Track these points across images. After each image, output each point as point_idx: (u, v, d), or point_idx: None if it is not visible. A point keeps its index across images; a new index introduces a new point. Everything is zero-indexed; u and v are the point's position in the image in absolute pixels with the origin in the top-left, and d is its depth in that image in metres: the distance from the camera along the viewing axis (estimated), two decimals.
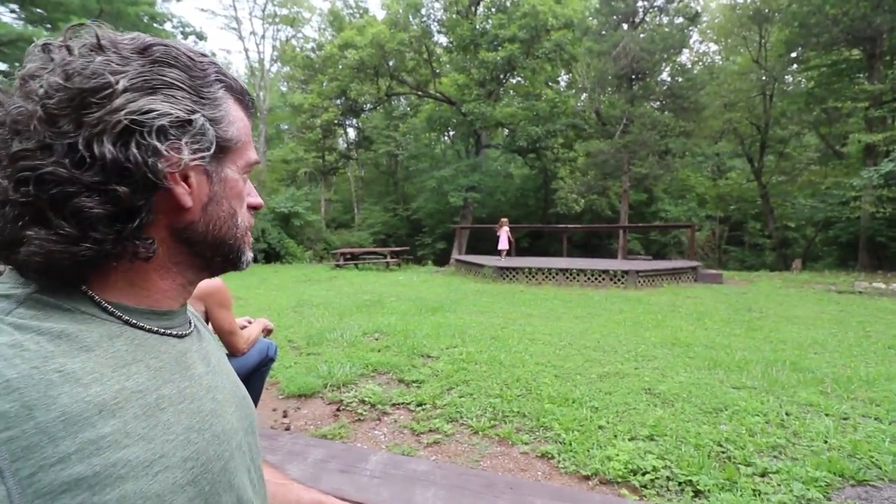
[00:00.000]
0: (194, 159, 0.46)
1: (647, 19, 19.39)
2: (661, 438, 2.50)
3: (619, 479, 2.14)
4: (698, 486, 2.06)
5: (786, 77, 19.58)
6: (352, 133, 28.71)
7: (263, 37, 37.65)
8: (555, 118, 20.33)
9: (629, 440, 2.48)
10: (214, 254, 0.52)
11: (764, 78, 19.29)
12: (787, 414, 2.84)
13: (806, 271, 14.07)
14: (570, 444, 2.44)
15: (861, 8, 13.76)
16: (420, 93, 23.73)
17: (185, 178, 0.46)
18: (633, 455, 2.30)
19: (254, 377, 2.20)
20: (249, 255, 0.57)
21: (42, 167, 0.39)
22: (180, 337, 0.52)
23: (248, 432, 0.58)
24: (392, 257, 15.12)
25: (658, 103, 19.95)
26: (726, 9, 22.10)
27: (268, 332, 2.26)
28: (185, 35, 19.23)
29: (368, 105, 23.87)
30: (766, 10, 18.54)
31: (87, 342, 0.42)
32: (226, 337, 1.94)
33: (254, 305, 6.91)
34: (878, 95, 14.13)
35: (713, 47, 25.80)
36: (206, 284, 1.77)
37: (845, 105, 15.70)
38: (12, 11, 13.40)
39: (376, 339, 4.67)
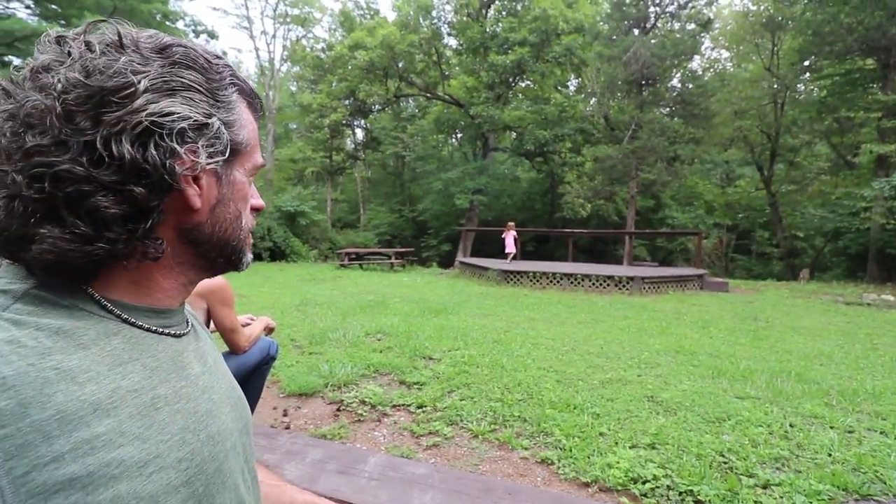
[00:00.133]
0: (210, 163, 0.46)
1: (659, 25, 19.32)
2: (662, 447, 2.47)
3: (619, 487, 2.12)
4: (699, 497, 2.04)
5: (798, 85, 19.45)
6: (359, 133, 28.81)
7: (274, 36, 37.99)
8: (563, 122, 20.28)
9: (630, 448, 2.46)
10: (218, 255, 0.53)
11: (776, 86, 19.16)
12: (791, 425, 2.81)
13: (814, 282, 13.93)
14: (571, 451, 2.42)
15: (876, 17, 13.63)
16: (429, 95, 23.76)
17: (196, 180, 0.46)
18: (634, 463, 2.28)
19: (255, 375, 2.20)
20: (249, 256, 0.57)
21: (58, 164, 0.39)
22: (177, 336, 0.52)
23: (242, 433, 0.58)
24: (397, 258, 15.14)
25: (668, 109, 19.86)
26: (739, 16, 21.98)
27: (269, 330, 2.27)
28: (197, 34, 19.41)
29: (377, 106, 23.94)
30: (780, 18, 18.42)
31: (84, 340, 0.41)
32: (228, 335, 1.95)
33: (258, 303, 6.94)
34: (892, 106, 13.96)
35: (725, 54, 25.66)
36: (209, 282, 1.78)
37: (858, 115, 15.54)
38: (27, 7, 13.58)
39: (378, 340, 4.67)
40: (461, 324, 5.55)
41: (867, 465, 2.32)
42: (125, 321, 0.46)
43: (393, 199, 27.68)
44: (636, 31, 19.05)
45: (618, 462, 2.27)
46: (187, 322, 0.56)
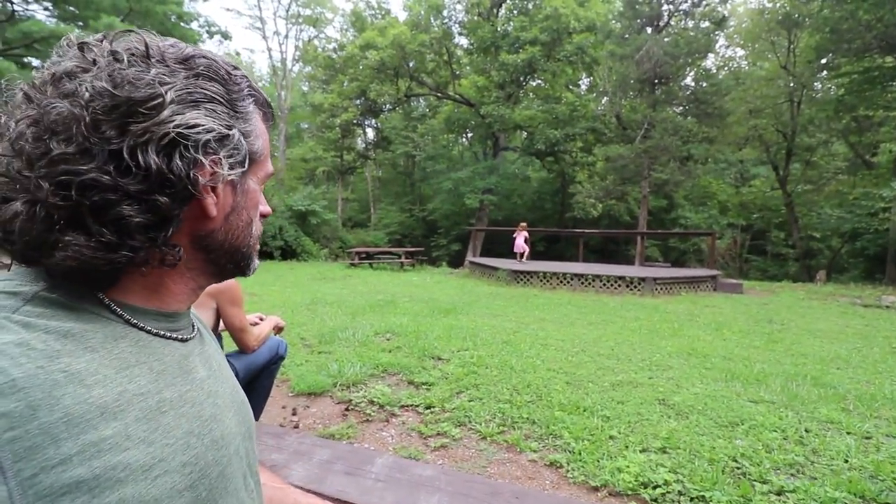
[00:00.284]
0: (231, 174, 0.47)
1: (672, 23, 19.08)
2: (673, 451, 2.44)
3: (629, 492, 2.09)
4: (711, 503, 2.00)
5: (815, 84, 19.07)
6: (370, 133, 28.93)
7: (286, 37, 38.24)
8: (574, 122, 20.14)
9: (641, 452, 2.43)
10: (228, 261, 0.54)
11: (792, 84, 18.82)
12: (806, 430, 2.75)
13: (830, 283, 13.66)
14: (580, 454, 2.40)
15: None
16: (439, 94, 23.76)
17: (213, 189, 0.47)
18: (645, 467, 2.25)
19: (263, 374, 2.22)
20: (256, 262, 0.58)
21: (85, 173, 0.39)
22: (183, 341, 0.52)
23: (245, 437, 0.58)
24: (406, 258, 15.16)
25: (681, 108, 19.61)
26: (754, 13, 21.64)
27: (279, 329, 2.28)
28: (211, 34, 19.65)
29: (387, 106, 23.99)
30: (796, 16, 18.10)
31: (92, 343, 0.41)
32: (237, 334, 1.96)
33: (268, 302, 6.99)
34: None
35: (740, 52, 25.27)
36: None
37: (877, 114, 15.22)
38: (45, 9, 13.86)
39: (387, 340, 4.68)
40: (470, 324, 5.54)
41: (885, 473, 2.26)
42: (132, 324, 0.46)
43: (403, 198, 27.74)
44: (649, 30, 18.85)
45: (628, 466, 2.24)
46: (193, 326, 0.57)
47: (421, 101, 26.47)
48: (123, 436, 0.39)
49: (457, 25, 22.57)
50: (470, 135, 26.92)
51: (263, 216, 0.58)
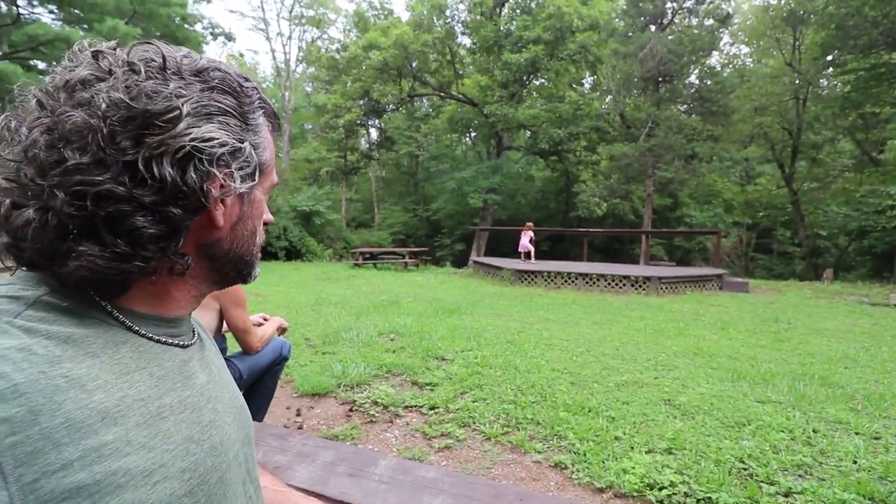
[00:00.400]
0: (242, 187, 0.48)
1: (676, 21, 19.00)
2: (679, 452, 2.42)
3: (635, 494, 2.08)
4: None
5: (820, 81, 18.94)
6: (374, 133, 29.01)
7: (290, 38, 38.15)
8: (578, 120, 20.09)
9: (646, 453, 2.41)
10: (231, 269, 0.54)
11: (797, 81, 18.69)
12: (814, 431, 2.72)
13: (837, 282, 13.55)
14: (585, 455, 2.38)
15: None
16: (442, 94, 23.76)
17: (222, 200, 0.48)
18: (650, 468, 2.23)
19: (267, 376, 2.22)
20: (257, 270, 0.59)
21: (100, 184, 0.39)
22: (184, 347, 0.52)
23: (244, 443, 0.58)
24: (410, 258, 15.16)
25: (685, 106, 19.52)
26: (759, 10, 21.52)
27: (282, 330, 2.28)
28: (215, 36, 19.71)
29: (391, 106, 24.03)
30: (802, 12, 17.97)
31: (93, 348, 0.41)
32: (240, 335, 1.96)
33: (273, 302, 7.01)
34: None
35: (744, 49, 25.15)
36: None
37: (884, 110, 15.09)
38: (51, 12, 13.95)
39: (391, 340, 4.67)
40: (474, 324, 5.53)
41: (895, 474, 2.23)
42: (133, 330, 0.46)
43: (407, 198, 27.78)
44: (652, 28, 18.78)
45: (633, 467, 2.22)
46: (194, 332, 0.57)
47: (424, 100, 26.49)
48: (124, 441, 0.39)
49: (459, 25, 22.58)
50: (473, 134, 26.93)
51: (266, 224, 0.59)
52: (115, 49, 0.45)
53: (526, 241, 12.17)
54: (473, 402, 3.07)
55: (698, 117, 18.38)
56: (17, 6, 13.36)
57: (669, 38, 17.77)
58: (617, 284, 9.35)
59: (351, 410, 3.00)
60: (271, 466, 1.60)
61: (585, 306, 7.28)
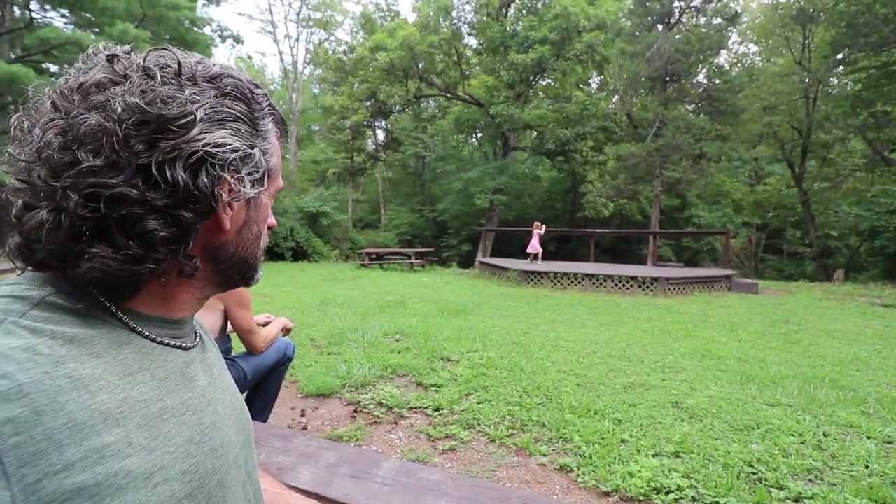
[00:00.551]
0: (252, 192, 0.49)
1: (684, 20, 18.87)
2: (687, 456, 2.39)
3: (641, 497, 2.05)
4: None
5: (831, 79, 18.66)
6: (380, 134, 29.07)
7: (297, 40, 38.65)
8: (585, 121, 20.00)
9: (653, 456, 2.38)
10: (235, 272, 0.55)
11: (807, 80, 18.44)
12: (824, 435, 2.68)
13: (849, 283, 13.36)
14: (591, 458, 2.36)
15: None
16: (449, 95, 23.77)
17: (229, 204, 0.48)
18: (657, 472, 2.20)
19: (272, 376, 2.22)
20: (260, 273, 0.59)
21: (114, 186, 0.40)
22: (186, 349, 0.53)
23: (244, 446, 0.58)
24: (417, 258, 15.17)
25: (693, 106, 19.38)
26: (768, 9, 21.27)
27: (287, 331, 2.28)
28: (224, 38, 19.89)
29: (397, 107, 24.06)
30: (811, 10, 17.74)
31: (97, 349, 0.42)
32: (245, 335, 1.96)
33: (279, 303, 7.04)
34: None
35: (753, 48, 24.88)
36: None
37: (895, 109, 14.85)
38: (63, 16, 14.13)
39: (397, 341, 4.67)
40: (480, 325, 5.51)
41: None
42: (137, 332, 0.46)
43: (413, 199, 27.79)
44: (660, 27, 18.67)
45: (640, 471, 2.20)
46: (196, 334, 0.57)
47: (430, 101, 26.52)
48: (125, 443, 0.39)
49: (466, 26, 22.57)
50: (480, 135, 26.90)
51: (270, 228, 0.59)
52: (129, 53, 0.46)
53: (536, 241, 12.12)
54: (478, 403, 3.06)
55: (706, 117, 18.22)
56: (30, 10, 13.56)
57: (677, 37, 17.65)
58: (624, 285, 9.29)
59: (355, 411, 3.00)
60: (274, 467, 1.60)
61: (592, 307, 7.24)
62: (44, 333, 0.39)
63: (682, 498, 2.04)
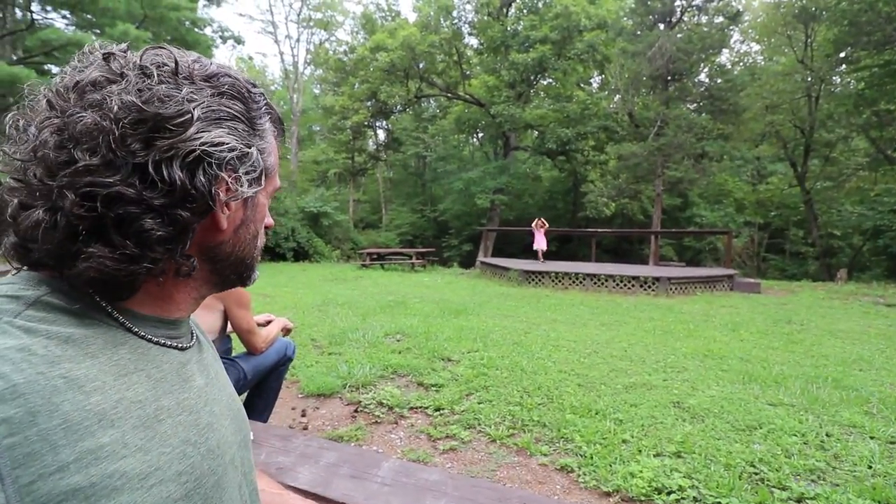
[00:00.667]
0: (249, 192, 0.48)
1: (685, 19, 18.83)
2: (688, 456, 2.38)
3: (643, 498, 2.04)
4: None
5: (833, 78, 18.60)
6: (381, 134, 29.10)
7: (298, 40, 38.52)
8: (586, 120, 19.98)
9: (654, 456, 2.37)
10: (232, 272, 0.54)
11: (809, 79, 18.40)
12: (827, 435, 2.66)
13: (852, 282, 13.31)
14: (592, 458, 2.35)
15: None
16: (449, 95, 23.78)
17: (227, 204, 0.48)
18: (658, 472, 2.19)
19: (272, 376, 2.22)
20: (257, 273, 0.59)
21: (110, 186, 0.39)
22: (182, 349, 0.52)
23: (241, 446, 0.58)
24: (418, 258, 15.17)
25: (695, 105, 19.34)
26: (770, 7, 21.24)
27: (287, 331, 2.27)
28: (225, 39, 19.91)
29: (398, 107, 24.08)
30: (813, 9, 17.70)
31: (93, 349, 0.41)
32: (244, 335, 1.96)
33: (280, 303, 7.04)
34: None
35: (755, 47, 24.86)
36: None
37: None
38: (64, 17, 14.16)
39: (397, 341, 4.67)
40: (481, 325, 5.50)
41: None
42: (132, 332, 0.46)
43: (414, 199, 27.80)
44: (661, 26, 18.62)
45: (641, 471, 2.19)
46: (192, 334, 0.57)
47: (431, 101, 26.52)
48: (121, 443, 0.39)
49: (466, 25, 22.58)
50: (480, 135, 26.91)
51: (267, 228, 0.59)
52: (125, 52, 0.45)
53: (542, 238, 12.07)
54: (479, 403, 3.05)
55: (708, 116, 18.19)
56: (32, 11, 13.60)
57: (678, 36, 17.60)
58: (625, 285, 9.27)
59: (356, 411, 2.99)
60: (274, 467, 1.60)
61: (593, 307, 7.23)
62: (39, 333, 0.38)
63: (683, 498, 2.03)
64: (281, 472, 1.58)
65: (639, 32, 18.81)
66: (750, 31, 23.34)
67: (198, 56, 0.48)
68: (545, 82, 23.12)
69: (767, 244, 22.85)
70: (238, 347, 2.15)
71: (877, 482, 2.15)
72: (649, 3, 18.41)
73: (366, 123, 24.78)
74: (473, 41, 23.08)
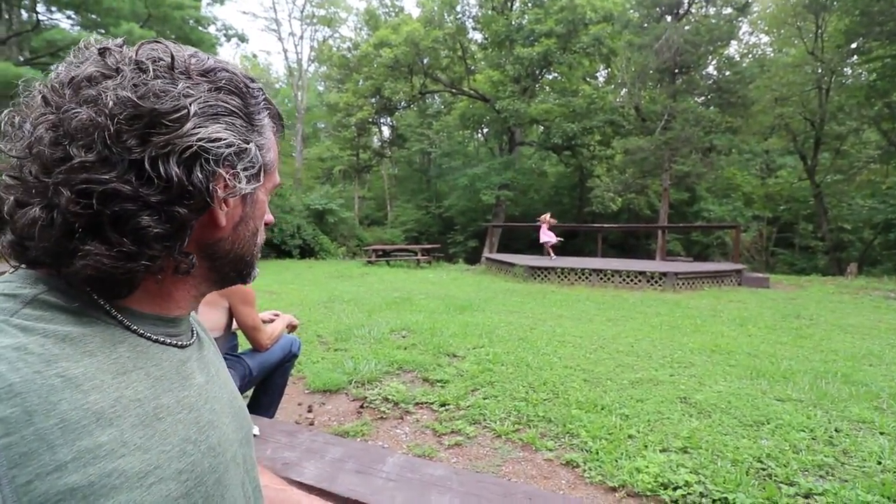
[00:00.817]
0: (247, 188, 0.48)
1: (693, 10, 18.57)
2: (695, 451, 2.37)
3: (648, 493, 2.04)
4: None
5: (844, 69, 18.30)
6: (386, 131, 29.11)
7: (301, 37, 38.32)
8: (592, 114, 19.84)
9: (661, 452, 2.36)
10: (231, 269, 0.54)
11: (820, 70, 18.12)
12: (836, 430, 2.64)
13: (862, 276, 13.15)
14: (597, 453, 2.34)
15: None
16: (454, 90, 23.70)
17: (225, 200, 0.48)
18: (665, 468, 2.18)
19: (277, 372, 2.23)
20: (257, 270, 0.58)
21: (107, 182, 0.39)
22: (182, 347, 0.52)
23: (243, 444, 0.58)
24: (423, 255, 15.17)
25: (703, 98, 19.10)
26: None
27: (292, 328, 2.28)
28: (229, 37, 19.94)
29: (402, 103, 24.04)
30: None
31: (91, 347, 0.41)
32: (250, 332, 1.97)
33: (286, 300, 7.07)
34: None
35: (764, 39, 24.50)
36: None
37: None
38: (69, 17, 14.25)
39: (403, 337, 4.68)
40: (486, 321, 5.50)
41: None
42: (131, 330, 0.46)
43: (419, 195, 27.81)
44: (668, 18, 18.39)
45: (647, 466, 2.18)
46: (192, 332, 0.57)
47: (436, 97, 26.48)
48: (119, 442, 0.38)
49: (470, 20, 22.47)
50: (485, 130, 26.85)
51: (267, 225, 0.59)
52: (121, 47, 0.45)
53: (551, 233, 12.01)
54: (484, 399, 3.05)
55: (716, 109, 17.97)
56: (37, 12, 13.69)
57: (686, 28, 17.38)
58: (632, 280, 9.22)
59: (362, 407, 3.01)
60: (280, 462, 1.61)
61: (599, 303, 7.20)
62: (35, 332, 0.38)
63: (689, 493, 2.02)
64: (287, 468, 1.59)
65: (645, 25, 18.59)
66: (759, 22, 23.00)
67: (195, 51, 0.47)
68: (550, 77, 22.98)
69: (776, 238, 22.63)
70: (244, 344, 2.16)
71: (886, 478, 2.13)
72: None
73: (370, 120, 24.78)
74: (478, 36, 22.97)
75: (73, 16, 14.30)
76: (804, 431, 2.60)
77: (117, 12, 13.02)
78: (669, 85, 18.38)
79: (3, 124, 0.44)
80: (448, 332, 4.81)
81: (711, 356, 4.18)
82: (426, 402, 3.02)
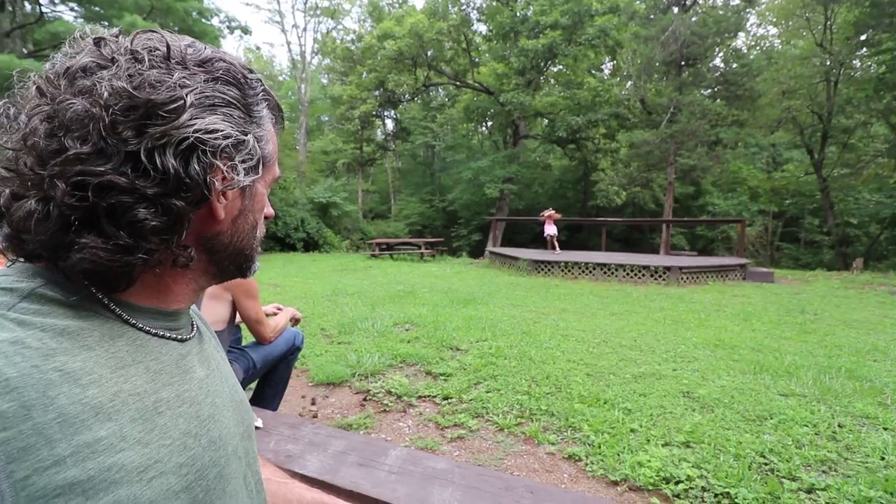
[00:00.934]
0: (246, 180, 0.47)
1: (700, 1, 18.38)
2: (697, 446, 2.37)
3: (650, 487, 2.04)
4: (736, 500, 1.94)
5: (853, 62, 18.07)
6: (389, 124, 28.97)
7: (305, 29, 38.37)
8: (597, 107, 19.69)
9: (663, 446, 2.36)
10: (230, 263, 0.53)
11: (828, 63, 17.88)
12: (839, 426, 2.63)
13: (868, 271, 13.05)
14: (600, 447, 2.35)
15: None
16: (458, 83, 23.56)
17: (223, 193, 0.47)
18: (667, 462, 2.19)
19: (281, 365, 2.24)
20: (257, 264, 0.58)
21: (102, 174, 0.39)
22: (181, 340, 0.52)
23: (244, 437, 0.58)
24: (427, 248, 15.17)
25: (709, 91, 18.93)
26: None
27: (296, 321, 2.29)
28: (232, 29, 19.82)
29: (406, 96, 23.92)
30: None
31: (89, 341, 0.41)
32: (253, 326, 1.98)
33: (290, 293, 7.10)
34: None
35: (772, 31, 24.17)
36: None
37: None
38: (72, 9, 14.22)
39: (406, 330, 4.69)
40: (490, 314, 5.51)
41: None
42: (130, 323, 0.45)
43: (423, 189, 27.75)
44: (675, 9, 18.19)
45: (649, 460, 2.19)
46: (192, 325, 0.56)
47: (440, 90, 26.32)
48: (118, 436, 0.38)
49: (475, 12, 22.26)
50: (489, 123, 26.68)
51: (267, 218, 0.58)
52: (117, 37, 0.44)
53: (551, 225, 11.97)
54: (487, 392, 3.06)
55: (723, 102, 17.81)
56: (40, 4, 13.67)
57: (693, 19, 17.20)
58: (636, 274, 9.20)
59: (365, 400, 3.02)
60: (283, 455, 1.62)
61: (603, 297, 7.19)
62: (33, 326, 0.38)
63: (691, 488, 2.02)
64: (289, 460, 1.60)
65: (652, 16, 18.42)
66: (767, 13, 22.68)
67: (191, 41, 0.47)
68: (555, 69, 22.79)
69: (781, 233, 22.49)
70: (248, 337, 2.17)
71: (889, 474, 2.12)
72: None
73: (374, 113, 24.67)
74: (482, 28, 22.77)
75: (77, 8, 14.26)
76: (807, 426, 2.60)
77: (120, 4, 12.97)
78: (675, 77, 18.23)
79: None
80: (451, 325, 4.81)
81: (715, 351, 4.17)
82: (429, 396, 3.03)
